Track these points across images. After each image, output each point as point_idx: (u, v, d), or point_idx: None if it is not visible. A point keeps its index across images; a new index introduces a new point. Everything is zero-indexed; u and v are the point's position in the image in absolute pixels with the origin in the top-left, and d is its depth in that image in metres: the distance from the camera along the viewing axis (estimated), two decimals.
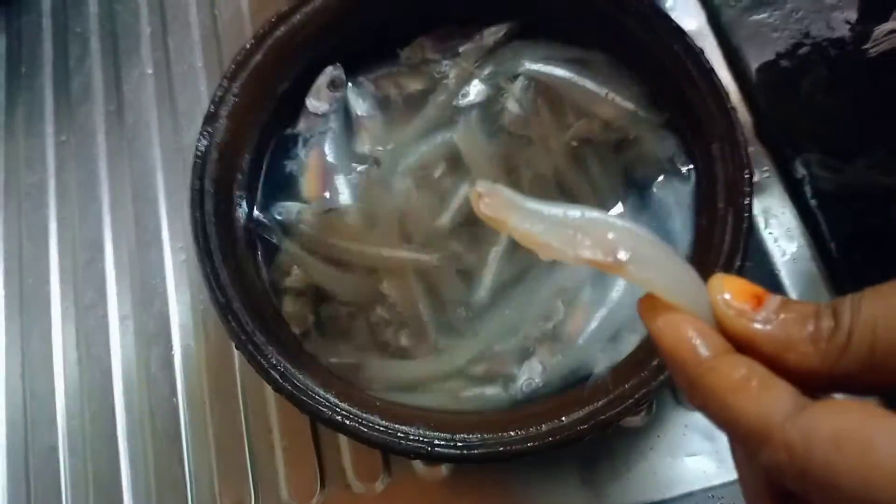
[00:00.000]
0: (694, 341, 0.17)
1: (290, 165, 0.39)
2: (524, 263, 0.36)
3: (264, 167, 0.39)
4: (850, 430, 0.15)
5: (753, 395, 0.16)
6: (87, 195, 0.46)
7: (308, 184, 0.38)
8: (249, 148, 0.37)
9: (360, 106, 0.39)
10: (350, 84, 0.39)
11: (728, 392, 0.16)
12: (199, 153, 0.34)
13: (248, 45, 0.36)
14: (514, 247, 0.36)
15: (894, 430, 0.14)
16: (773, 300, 0.18)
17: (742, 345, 0.18)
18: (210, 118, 0.35)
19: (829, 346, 0.17)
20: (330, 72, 0.38)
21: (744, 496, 0.20)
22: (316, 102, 0.38)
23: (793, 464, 0.15)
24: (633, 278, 0.19)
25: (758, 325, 0.17)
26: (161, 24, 0.51)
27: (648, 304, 0.18)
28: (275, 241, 0.37)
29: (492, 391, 0.34)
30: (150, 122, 0.48)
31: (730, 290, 0.18)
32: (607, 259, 0.18)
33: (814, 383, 0.17)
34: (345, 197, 0.37)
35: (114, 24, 0.51)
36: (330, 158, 0.38)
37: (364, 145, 0.38)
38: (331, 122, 0.39)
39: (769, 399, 0.16)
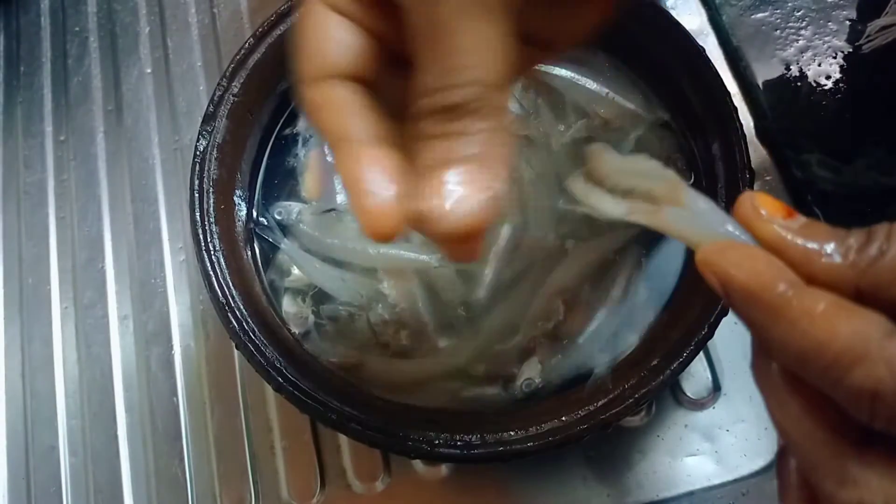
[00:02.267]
0: (772, 272, 0.17)
1: (291, 164, 0.39)
2: (524, 263, 0.36)
3: (263, 167, 0.39)
4: None
5: (847, 316, 0.16)
6: (86, 195, 0.46)
7: (308, 183, 0.38)
8: (249, 148, 0.37)
9: None
10: None
11: (820, 316, 0.16)
12: (198, 153, 0.34)
13: (247, 44, 0.36)
14: (514, 246, 0.36)
15: None
16: (802, 217, 0.18)
17: (775, 253, 0.18)
18: (209, 118, 0.35)
19: (860, 256, 0.17)
20: None
21: (780, 489, 0.20)
22: None
23: (894, 377, 0.15)
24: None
25: (790, 235, 0.18)
26: (160, 24, 0.50)
27: (711, 250, 0.19)
28: (274, 241, 0.37)
29: (492, 391, 0.34)
30: (149, 122, 0.48)
31: (762, 204, 0.18)
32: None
33: (840, 294, 0.17)
34: (344, 197, 0.37)
35: (113, 24, 0.51)
36: (330, 158, 0.38)
37: None
38: None
39: (864, 320, 0.16)
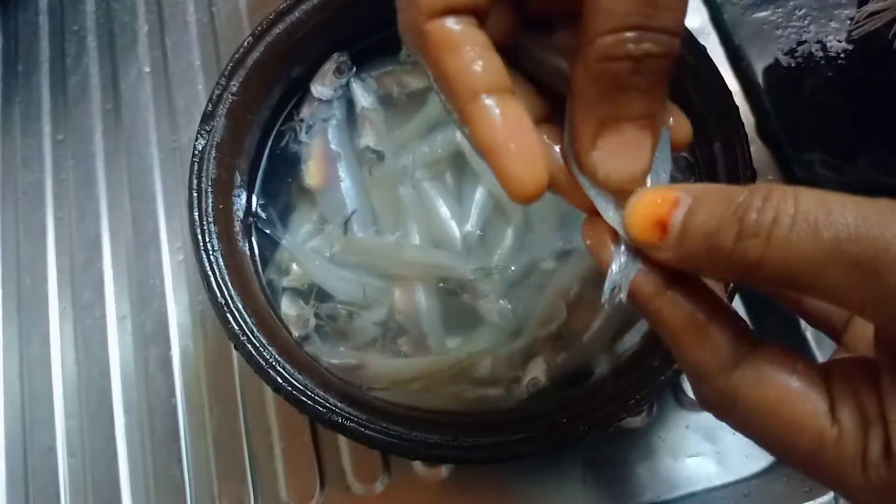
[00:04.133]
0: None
1: (293, 154, 0.38)
2: (528, 265, 0.35)
3: (263, 164, 0.38)
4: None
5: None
6: (84, 194, 0.46)
7: (311, 170, 0.38)
8: (248, 146, 0.37)
9: (364, 98, 0.39)
10: (354, 77, 0.39)
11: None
12: (196, 152, 0.34)
13: (246, 43, 0.36)
14: (518, 247, 0.36)
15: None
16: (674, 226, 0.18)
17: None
18: (208, 117, 0.35)
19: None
20: (336, 58, 0.38)
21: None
22: (321, 88, 0.38)
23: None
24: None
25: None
26: (158, 23, 0.50)
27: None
28: (274, 236, 0.37)
29: (495, 392, 0.34)
30: (147, 121, 0.47)
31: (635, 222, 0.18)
32: None
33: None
34: (346, 185, 0.37)
35: (111, 23, 0.51)
36: (333, 146, 0.38)
37: (367, 138, 0.38)
38: (335, 110, 0.39)
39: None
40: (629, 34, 0.16)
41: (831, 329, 0.23)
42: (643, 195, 0.18)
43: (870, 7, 0.38)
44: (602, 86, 0.17)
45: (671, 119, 0.20)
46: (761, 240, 0.16)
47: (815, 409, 0.17)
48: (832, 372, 0.18)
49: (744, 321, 0.19)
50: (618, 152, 0.18)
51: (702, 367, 0.18)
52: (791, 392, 0.17)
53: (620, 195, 0.19)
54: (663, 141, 0.20)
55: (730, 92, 0.33)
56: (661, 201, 0.18)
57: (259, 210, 0.37)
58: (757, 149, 0.42)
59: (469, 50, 0.17)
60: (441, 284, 0.36)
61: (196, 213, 0.33)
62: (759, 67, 0.43)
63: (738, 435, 0.20)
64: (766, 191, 0.16)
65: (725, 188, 0.17)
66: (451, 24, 0.17)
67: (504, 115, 0.17)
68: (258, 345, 0.31)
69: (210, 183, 0.34)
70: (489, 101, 0.17)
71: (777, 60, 0.43)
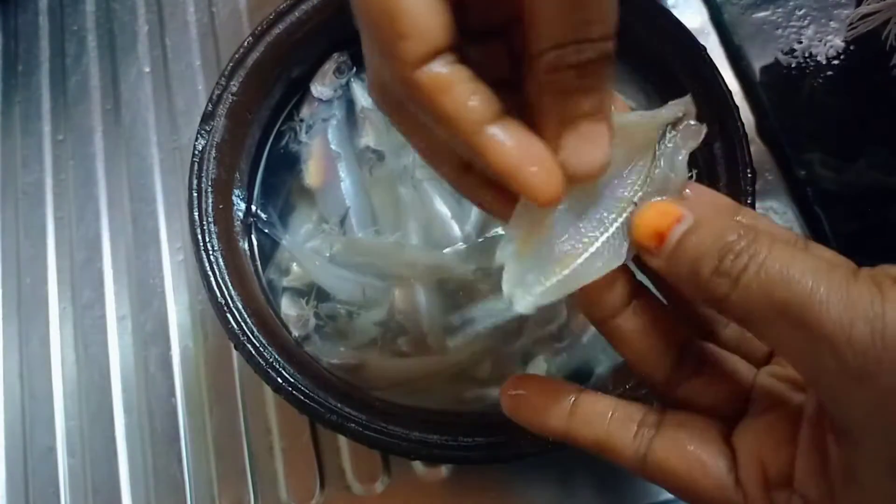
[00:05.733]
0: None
1: (293, 153, 0.38)
2: None
3: (263, 164, 0.38)
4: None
5: None
6: (84, 194, 0.46)
7: (311, 170, 0.38)
8: (248, 146, 0.37)
9: (364, 98, 0.39)
10: (354, 77, 0.39)
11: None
12: (196, 152, 0.34)
13: (245, 43, 0.36)
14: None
15: None
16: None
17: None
18: (208, 117, 0.35)
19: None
20: (336, 58, 0.38)
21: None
22: (321, 88, 0.38)
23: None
24: None
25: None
26: (158, 23, 0.50)
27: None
28: (274, 236, 0.37)
29: (495, 392, 0.34)
30: (147, 121, 0.47)
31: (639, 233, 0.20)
32: None
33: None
34: (346, 185, 0.37)
35: (111, 23, 0.51)
36: (333, 146, 0.38)
37: (367, 138, 0.38)
38: (334, 110, 0.39)
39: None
40: (569, 48, 0.18)
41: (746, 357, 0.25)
42: (654, 205, 0.20)
43: (863, 9, 0.38)
44: (552, 94, 0.19)
45: (688, 116, 0.22)
46: (730, 281, 0.18)
47: (718, 478, 0.20)
48: (740, 425, 0.20)
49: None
50: (579, 147, 0.19)
51: (623, 464, 0.21)
52: (692, 468, 0.20)
53: (586, 180, 0.20)
54: (682, 135, 0.21)
55: (730, 92, 0.33)
56: (667, 215, 0.20)
57: (259, 210, 0.37)
58: (757, 149, 0.42)
59: (462, 87, 0.19)
60: (441, 284, 0.36)
61: (196, 213, 0.33)
62: (759, 67, 0.43)
63: None
64: (753, 236, 0.18)
65: (724, 221, 0.19)
66: (439, 67, 0.18)
67: (513, 137, 0.19)
68: (258, 345, 0.31)
69: (210, 183, 0.34)
70: (495, 130, 0.19)
71: (777, 60, 0.43)
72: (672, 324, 0.22)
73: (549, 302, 0.20)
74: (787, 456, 0.19)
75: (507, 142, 0.19)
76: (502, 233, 0.36)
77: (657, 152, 0.21)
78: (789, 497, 0.18)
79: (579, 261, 0.20)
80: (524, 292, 0.20)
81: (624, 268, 0.21)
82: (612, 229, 0.21)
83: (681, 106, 0.22)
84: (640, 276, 0.22)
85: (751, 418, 0.21)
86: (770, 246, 0.18)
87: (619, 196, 0.21)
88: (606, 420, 0.21)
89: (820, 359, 0.17)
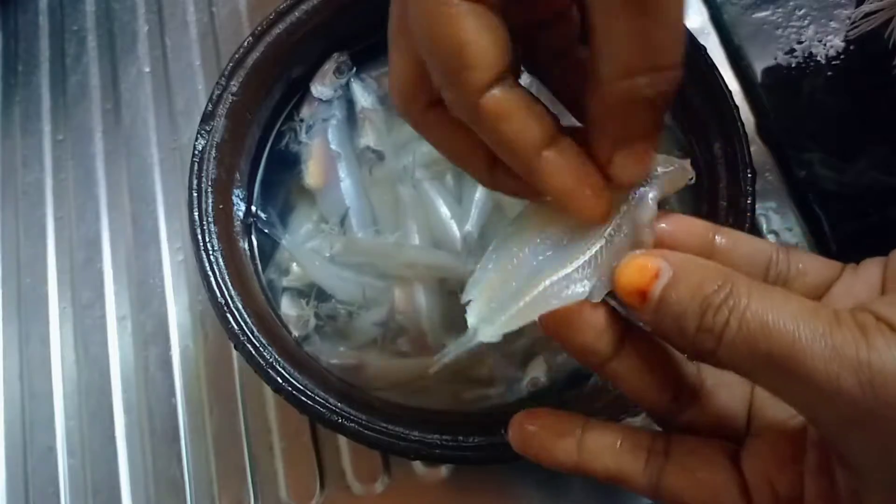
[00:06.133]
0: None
1: (293, 154, 0.38)
2: None
3: (263, 164, 0.38)
4: None
5: None
6: (84, 194, 0.46)
7: (311, 170, 0.38)
8: (248, 146, 0.37)
9: (364, 98, 0.39)
10: (354, 77, 0.39)
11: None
12: (196, 152, 0.34)
13: (246, 43, 0.36)
14: None
15: None
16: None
17: None
18: (208, 117, 0.35)
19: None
20: (336, 58, 0.38)
21: None
22: (321, 88, 0.38)
23: None
24: None
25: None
26: (158, 22, 0.50)
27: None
28: (274, 236, 0.37)
29: (495, 392, 0.34)
30: (147, 121, 0.47)
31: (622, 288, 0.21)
32: None
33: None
34: (346, 185, 0.37)
35: (111, 23, 0.51)
36: (333, 146, 0.38)
37: (367, 138, 0.38)
38: (334, 110, 0.39)
39: None
40: (642, 79, 0.18)
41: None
42: (629, 261, 0.20)
43: (865, 8, 0.38)
44: (618, 119, 0.19)
45: (682, 177, 0.23)
46: (715, 337, 0.18)
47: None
48: (745, 457, 0.20)
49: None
50: (627, 163, 0.20)
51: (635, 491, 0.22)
52: (709, 490, 0.20)
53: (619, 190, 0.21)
54: (662, 179, 0.22)
55: (730, 92, 0.33)
56: (644, 272, 0.20)
57: (259, 210, 0.37)
58: (757, 149, 0.41)
59: (522, 113, 0.19)
60: (441, 284, 0.36)
61: (196, 213, 0.33)
62: (759, 67, 0.43)
63: None
64: (730, 288, 0.18)
65: (702, 271, 0.19)
66: (501, 92, 0.19)
67: (568, 161, 0.20)
68: (258, 345, 0.31)
69: (210, 183, 0.34)
70: (551, 154, 0.20)
71: (777, 60, 0.43)
72: (667, 358, 0.22)
73: (511, 329, 0.21)
74: (794, 474, 0.19)
75: (562, 166, 0.20)
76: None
77: (633, 192, 0.22)
78: None
79: (540, 288, 0.21)
80: (487, 323, 0.21)
81: (612, 313, 0.21)
82: (577, 262, 0.21)
83: (680, 165, 0.23)
84: None
85: (754, 437, 0.21)
86: (749, 294, 0.18)
87: (591, 232, 0.21)
88: (615, 451, 0.22)
89: (815, 406, 0.17)
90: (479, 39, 0.19)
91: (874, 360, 0.16)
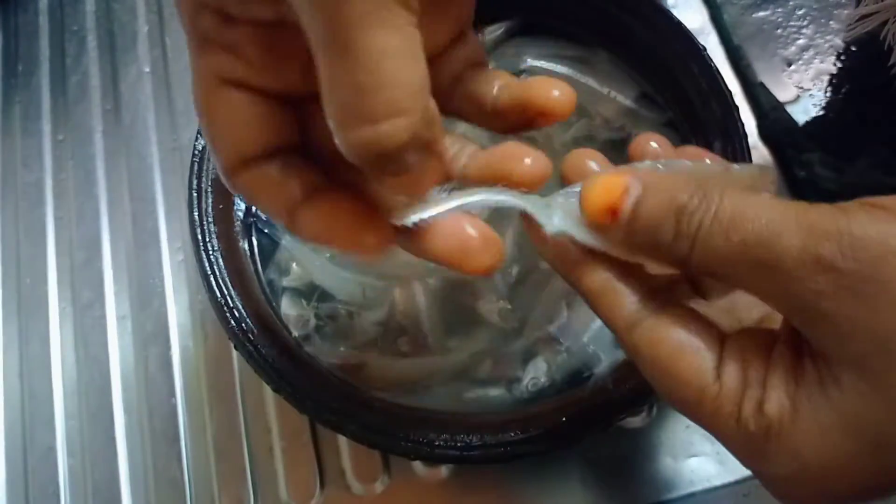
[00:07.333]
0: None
1: None
2: (528, 266, 0.35)
3: None
4: None
5: None
6: (84, 194, 0.46)
7: None
8: None
9: None
10: None
11: None
12: (196, 152, 0.34)
13: None
14: (519, 249, 0.36)
15: None
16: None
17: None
18: None
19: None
20: None
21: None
22: None
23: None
24: None
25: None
26: (158, 22, 0.50)
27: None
28: (274, 236, 0.37)
29: (495, 392, 0.34)
30: (147, 121, 0.47)
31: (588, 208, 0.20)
32: None
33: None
34: None
35: (111, 22, 0.51)
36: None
37: None
38: None
39: None
40: (353, 133, 0.17)
41: None
42: (598, 179, 0.20)
43: (861, 10, 0.38)
44: (362, 164, 0.19)
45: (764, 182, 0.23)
46: (689, 238, 0.18)
47: (701, 366, 0.19)
48: (729, 336, 0.20)
49: (658, 283, 0.21)
50: (399, 200, 0.21)
51: (612, 325, 0.21)
52: (681, 349, 0.19)
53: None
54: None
55: (730, 92, 0.33)
56: (613, 188, 0.19)
57: (259, 210, 0.37)
58: (757, 149, 0.41)
59: (269, 190, 0.22)
60: (441, 284, 0.36)
61: (196, 213, 0.33)
62: (759, 67, 0.43)
63: None
64: (703, 193, 0.18)
65: (673, 182, 0.19)
66: (246, 174, 0.22)
67: (320, 213, 0.21)
68: (258, 345, 0.31)
69: (210, 183, 0.34)
70: (305, 211, 0.21)
71: (777, 60, 0.43)
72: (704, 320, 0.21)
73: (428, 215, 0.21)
74: (767, 358, 0.19)
75: (314, 219, 0.21)
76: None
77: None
78: (761, 395, 0.18)
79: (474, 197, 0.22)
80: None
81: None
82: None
83: (766, 170, 0.23)
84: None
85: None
86: (720, 196, 0.18)
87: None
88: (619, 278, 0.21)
89: (789, 289, 0.17)
90: (230, 128, 0.20)
91: (855, 228, 0.16)
